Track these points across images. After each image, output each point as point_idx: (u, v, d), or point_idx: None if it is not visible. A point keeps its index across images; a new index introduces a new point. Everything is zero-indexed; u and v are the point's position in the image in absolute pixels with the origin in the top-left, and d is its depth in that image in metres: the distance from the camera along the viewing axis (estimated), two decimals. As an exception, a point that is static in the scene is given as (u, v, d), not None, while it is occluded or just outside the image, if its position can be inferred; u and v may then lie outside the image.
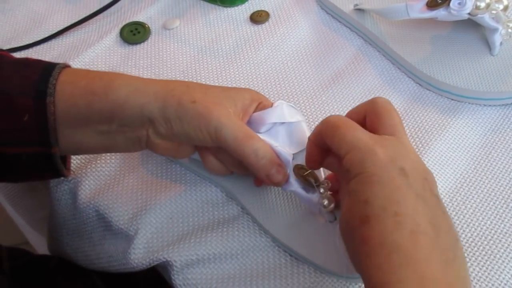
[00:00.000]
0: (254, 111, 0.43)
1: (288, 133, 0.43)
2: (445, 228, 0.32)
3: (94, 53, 0.59)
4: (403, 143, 0.36)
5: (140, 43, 0.60)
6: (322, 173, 0.42)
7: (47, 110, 0.39)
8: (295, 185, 0.41)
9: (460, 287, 0.31)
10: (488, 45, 0.52)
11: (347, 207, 0.34)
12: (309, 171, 0.41)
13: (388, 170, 0.33)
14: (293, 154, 0.43)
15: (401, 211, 0.31)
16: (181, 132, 0.40)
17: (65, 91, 0.39)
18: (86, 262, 0.53)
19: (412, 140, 0.49)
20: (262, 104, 0.43)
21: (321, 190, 0.41)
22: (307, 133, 0.43)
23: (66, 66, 0.42)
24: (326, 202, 0.40)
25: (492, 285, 0.40)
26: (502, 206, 0.44)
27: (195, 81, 0.43)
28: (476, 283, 0.41)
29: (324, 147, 0.38)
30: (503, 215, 0.44)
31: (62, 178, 0.49)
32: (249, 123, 0.43)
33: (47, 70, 0.40)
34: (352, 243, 0.33)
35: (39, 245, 0.90)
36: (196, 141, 0.40)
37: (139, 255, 0.45)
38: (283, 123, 0.43)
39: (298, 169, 0.41)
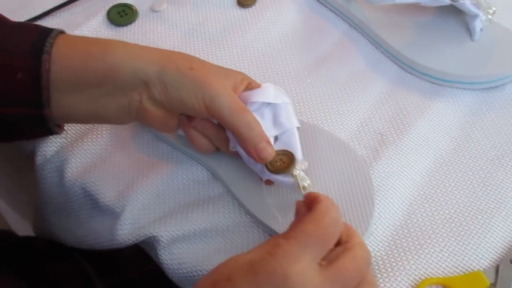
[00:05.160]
0: (243, 91, 0.44)
1: (273, 114, 0.44)
2: None
3: (81, 34, 0.59)
4: None
5: (127, 25, 0.60)
6: (300, 153, 0.43)
7: (42, 68, 0.39)
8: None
9: None
10: (469, 31, 0.54)
11: None
12: (284, 151, 0.42)
13: None
14: (276, 135, 0.44)
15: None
16: (176, 98, 0.40)
17: (60, 52, 0.40)
18: (73, 240, 0.53)
19: (394, 121, 0.50)
20: (251, 85, 0.45)
21: (296, 172, 0.41)
22: (293, 116, 0.44)
23: (62, 32, 0.42)
24: (304, 183, 0.40)
25: (469, 259, 0.42)
26: (479, 185, 0.46)
27: None
28: (454, 257, 0.42)
29: None
30: (479, 193, 0.46)
31: (48, 156, 0.50)
32: None
33: (45, 31, 0.41)
34: None
35: (21, 230, 0.90)
36: (189, 108, 0.41)
37: (126, 231, 0.45)
38: (269, 104, 0.44)
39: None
